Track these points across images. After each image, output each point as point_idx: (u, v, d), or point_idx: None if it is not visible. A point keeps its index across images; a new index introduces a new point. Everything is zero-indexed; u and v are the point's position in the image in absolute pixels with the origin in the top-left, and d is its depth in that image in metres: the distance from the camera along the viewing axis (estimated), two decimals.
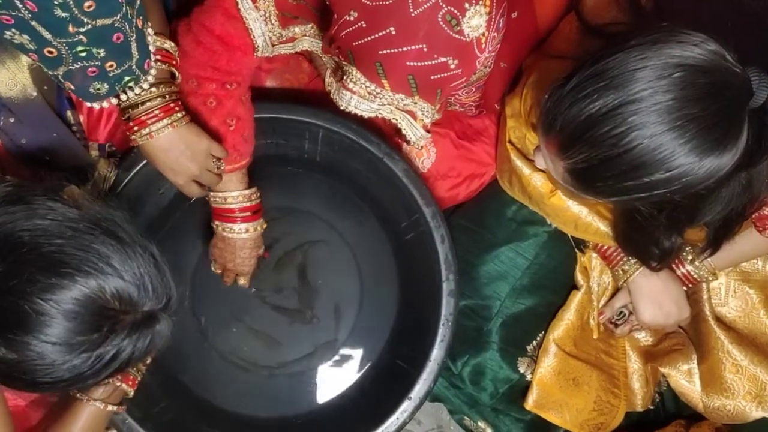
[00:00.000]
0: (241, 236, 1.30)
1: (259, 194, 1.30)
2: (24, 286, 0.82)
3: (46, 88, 1.20)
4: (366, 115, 1.04)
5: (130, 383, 1.16)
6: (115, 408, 1.14)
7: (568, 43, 1.21)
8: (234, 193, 1.25)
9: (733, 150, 0.86)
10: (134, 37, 0.93)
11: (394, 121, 1.05)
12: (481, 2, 0.93)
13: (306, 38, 1.17)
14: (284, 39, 1.16)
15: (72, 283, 0.83)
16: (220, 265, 1.37)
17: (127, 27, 0.90)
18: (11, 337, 0.83)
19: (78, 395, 1.11)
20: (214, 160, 1.17)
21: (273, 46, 1.17)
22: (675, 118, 0.83)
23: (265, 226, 1.33)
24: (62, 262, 0.84)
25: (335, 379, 1.46)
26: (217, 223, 1.29)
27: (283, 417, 1.44)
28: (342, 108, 1.04)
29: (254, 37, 1.13)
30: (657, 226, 1.09)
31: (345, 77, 1.01)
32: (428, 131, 1.07)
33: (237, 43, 1.14)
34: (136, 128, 1.08)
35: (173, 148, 1.11)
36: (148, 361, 1.21)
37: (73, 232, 0.86)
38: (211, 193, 1.26)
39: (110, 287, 0.85)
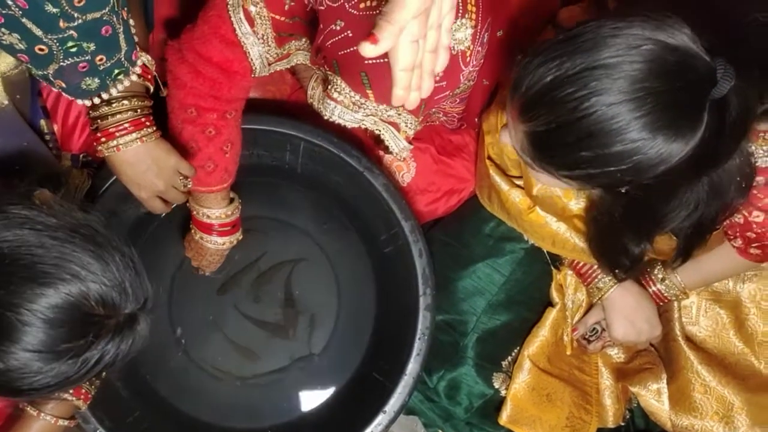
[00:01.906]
0: (216, 246, 1.30)
1: (239, 206, 1.30)
2: (7, 297, 0.82)
3: (18, 97, 1.17)
4: (349, 125, 1.04)
5: (83, 397, 1.15)
6: (66, 422, 1.12)
7: None
8: (217, 211, 1.26)
9: (688, 136, 0.86)
10: (121, 29, 0.94)
11: (377, 132, 1.05)
12: (467, 16, 0.95)
13: (300, 52, 1.16)
14: (280, 57, 1.16)
15: (55, 292, 0.83)
16: (188, 255, 1.37)
17: (115, 19, 0.91)
18: None
19: (29, 409, 1.09)
20: (181, 177, 1.16)
21: (270, 65, 1.16)
22: (635, 90, 0.83)
23: (240, 237, 1.33)
24: (44, 272, 0.83)
25: (311, 390, 1.45)
26: (195, 230, 1.30)
27: (258, 428, 1.42)
28: (326, 118, 1.04)
29: (252, 60, 1.12)
30: (623, 229, 1.09)
31: (330, 87, 1.01)
32: (410, 143, 1.07)
33: (236, 68, 1.12)
34: (103, 139, 1.07)
35: (140, 162, 1.10)
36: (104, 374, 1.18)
37: (53, 240, 0.86)
38: (195, 207, 1.26)
39: (93, 294, 0.85)
